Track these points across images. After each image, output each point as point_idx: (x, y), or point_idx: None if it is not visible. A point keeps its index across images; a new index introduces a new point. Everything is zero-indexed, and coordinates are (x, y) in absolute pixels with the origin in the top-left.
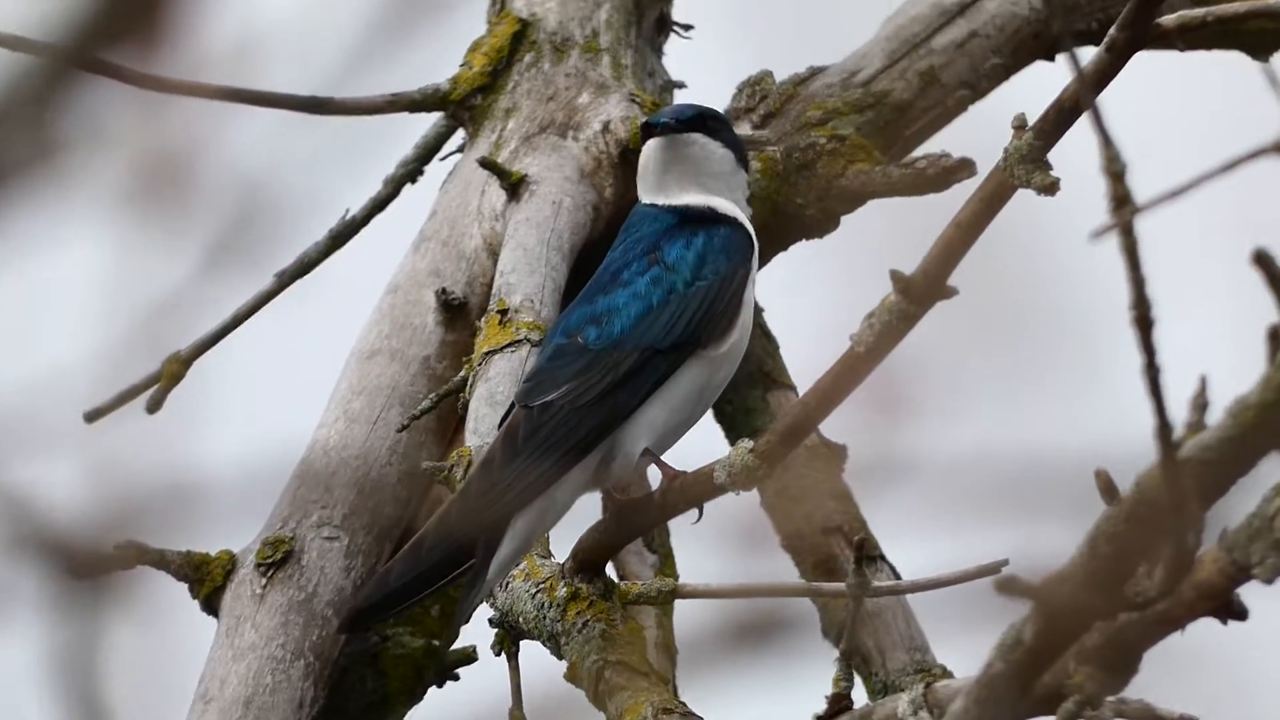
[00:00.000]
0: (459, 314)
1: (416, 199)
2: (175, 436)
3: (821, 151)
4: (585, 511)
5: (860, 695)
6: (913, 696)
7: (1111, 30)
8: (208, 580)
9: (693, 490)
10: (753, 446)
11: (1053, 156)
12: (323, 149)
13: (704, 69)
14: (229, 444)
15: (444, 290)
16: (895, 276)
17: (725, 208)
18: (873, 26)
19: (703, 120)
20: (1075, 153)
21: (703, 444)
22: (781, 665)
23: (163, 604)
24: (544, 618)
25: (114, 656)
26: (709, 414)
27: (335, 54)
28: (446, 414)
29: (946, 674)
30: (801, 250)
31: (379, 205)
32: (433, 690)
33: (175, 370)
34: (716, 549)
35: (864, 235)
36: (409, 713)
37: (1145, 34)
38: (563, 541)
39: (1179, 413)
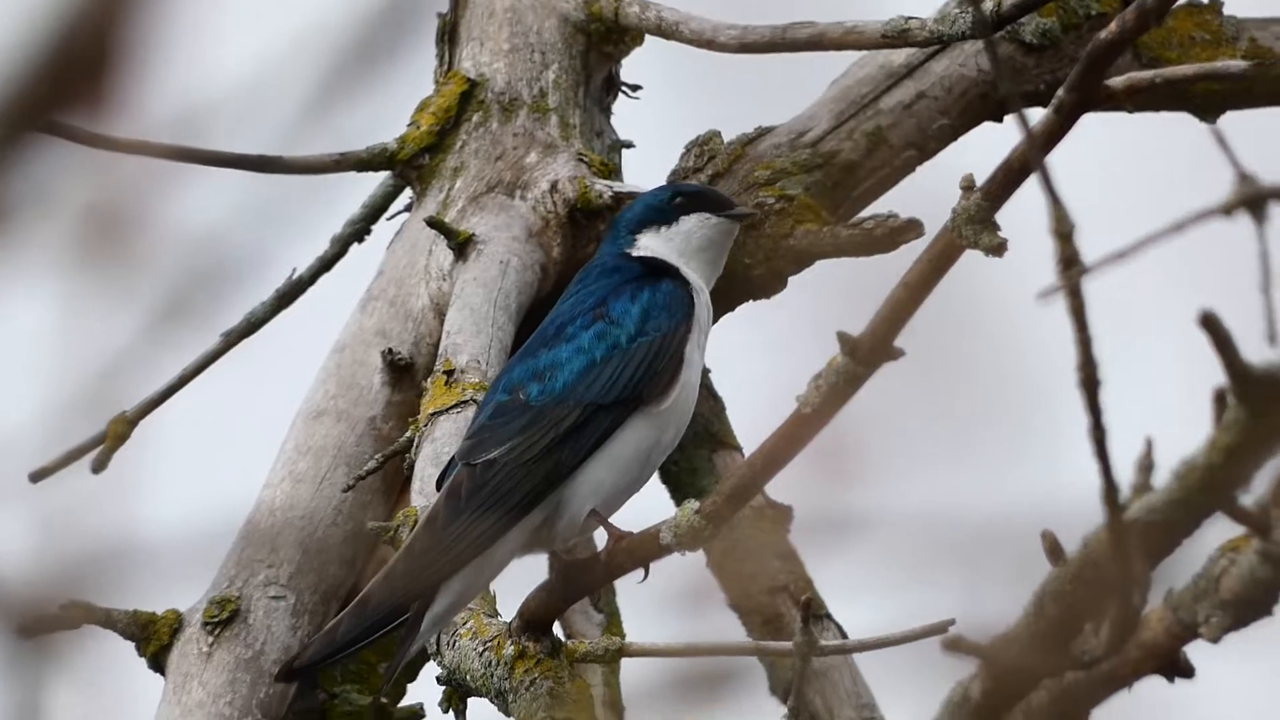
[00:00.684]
0: (405, 374)
1: (363, 258)
2: (121, 496)
3: (769, 211)
4: (531, 571)
5: None
6: None
7: (1060, 92)
8: (154, 639)
9: (639, 551)
10: (699, 508)
11: (1000, 217)
12: (270, 208)
13: (652, 129)
14: (175, 503)
15: (390, 350)
16: (842, 337)
17: (692, 276)
18: (820, 88)
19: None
20: (1022, 214)
21: (648, 504)
22: None
23: (110, 663)
24: (491, 675)
25: (61, 717)
26: (655, 474)
27: (285, 114)
28: (392, 474)
29: None
30: (748, 310)
31: (326, 264)
32: None
33: (120, 430)
34: (663, 608)
35: (811, 296)
36: None
37: (1093, 95)
38: (509, 600)
39: (1125, 474)
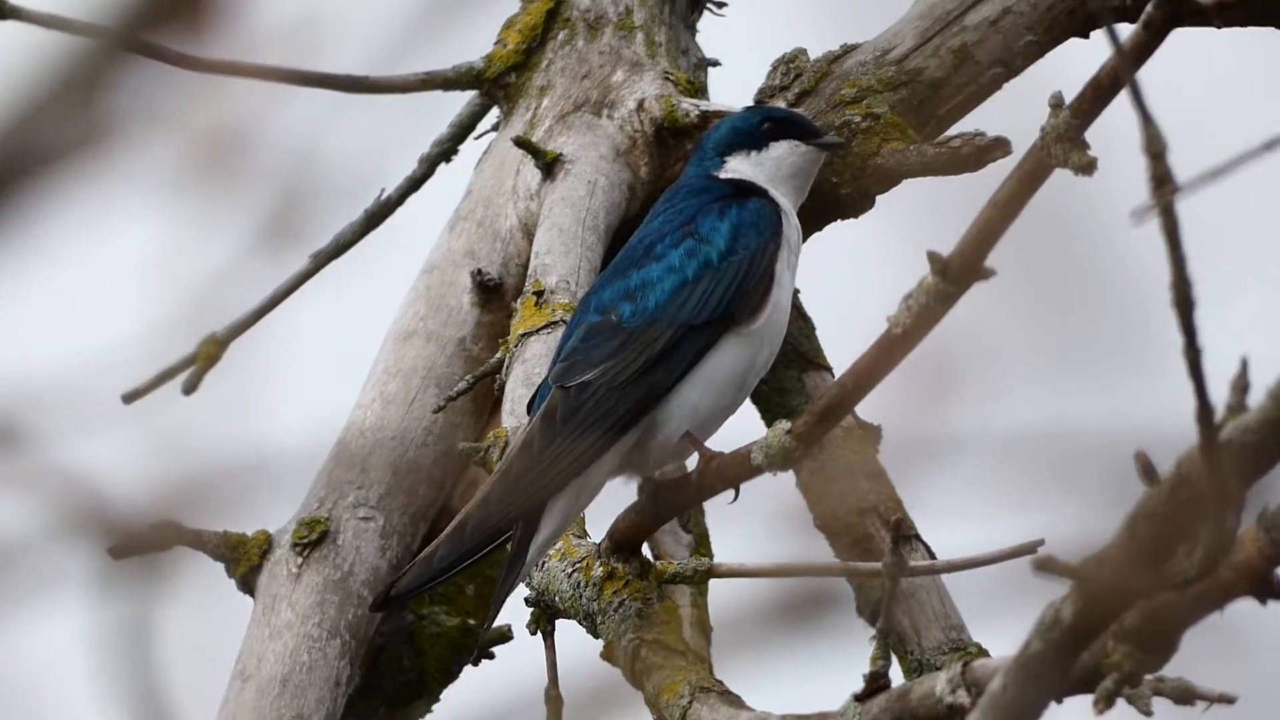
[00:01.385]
0: (494, 295)
1: (451, 178)
2: (214, 417)
3: (856, 130)
4: (621, 493)
5: (896, 674)
6: (950, 675)
7: (1149, 7)
8: (244, 560)
9: (729, 471)
10: (790, 428)
11: (1089, 135)
12: (366, 128)
13: (738, 46)
14: (267, 425)
15: (479, 271)
16: (932, 257)
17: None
18: (905, 4)
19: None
20: (1112, 132)
21: (739, 425)
22: (817, 644)
23: (201, 582)
24: (580, 597)
25: (156, 635)
26: None
27: (383, 34)
28: (482, 395)
29: (982, 653)
30: (837, 230)
31: (414, 185)
32: (469, 669)
33: (212, 351)
34: (751, 529)
35: (900, 215)
36: (444, 691)
37: (1183, 10)
38: (598, 522)
39: (1220, 394)
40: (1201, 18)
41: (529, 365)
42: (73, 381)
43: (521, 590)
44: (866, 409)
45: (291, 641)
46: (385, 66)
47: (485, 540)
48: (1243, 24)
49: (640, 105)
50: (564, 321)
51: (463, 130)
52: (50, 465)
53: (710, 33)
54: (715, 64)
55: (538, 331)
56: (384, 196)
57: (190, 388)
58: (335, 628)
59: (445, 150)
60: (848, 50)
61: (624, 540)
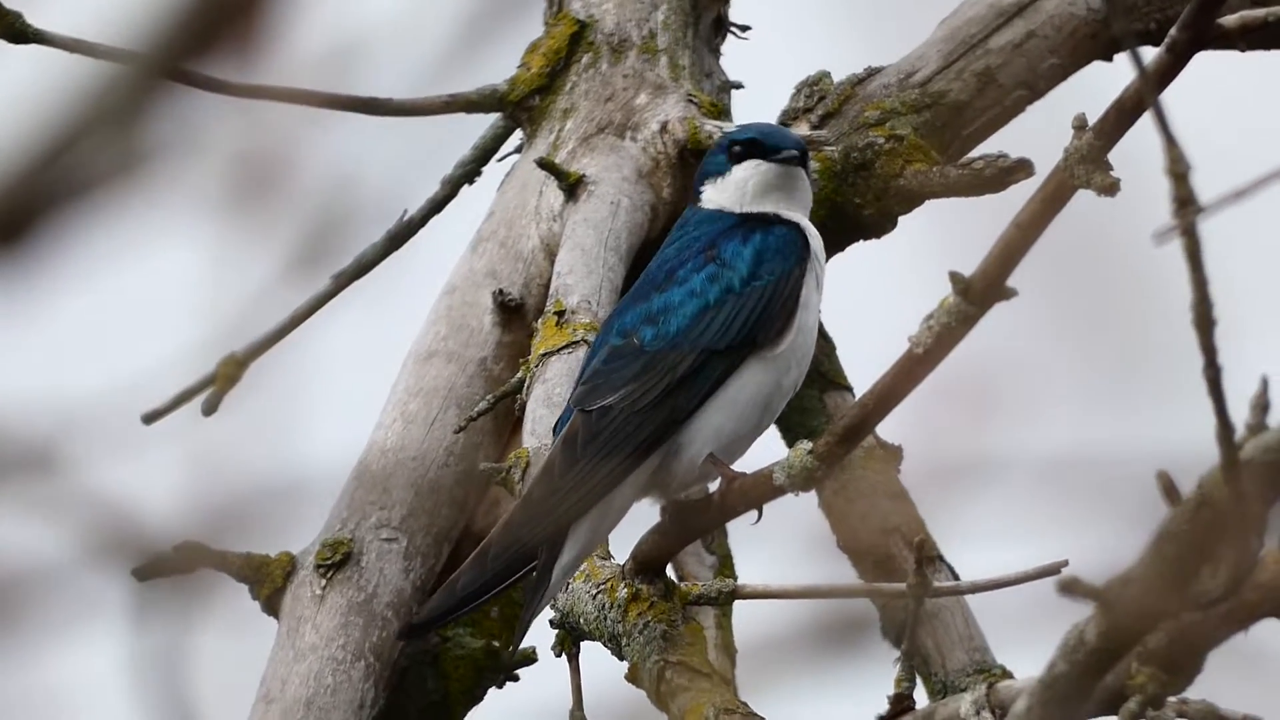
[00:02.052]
0: (516, 315)
1: (474, 200)
2: (237, 439)
3: (879, 152)
4: (644, 514)
5: (920, 696)
6: (975, 697)
7: (1172, 30)
8: (267, 582)
9: (752, 492)
10: (812, 448)
11: (1112, 157)
12: (393, 150)
13: (761, 70)
14: (288, 446)
15: (501, 291)
16: (954, 277)
17: (789, 216)
18: (929, 28)
19: (805, 152)
20: (1135, 154)
21: (760, 446)
22: (842, 666)
23: (225, 605)
24: (605, 618)
25: (186, 659)
26: None
27: (420, 58)
28: (503, 415)
29: (1006, 674)
30: (859, 251)
31: (437, 206)
32: (493, 691)
33: (231, 372)
34: (775, 550)
35: (922, 236)
36: (469, 713)
37: (1206, 34)
38: (622, 543)
39: (1241, 414)
40: (1225, 41)
41: (550, 385)
42: (106, 405)
43: (546, 612)
44: (890, 429)
45: (316, 664)
46: (422, 90)
47: (509, 567)
48: (1267, 47)
49: (664, 127)
50: (585, 341)
51: (486, 152)
52: (80, 489)
53: (734, 56)
54: (739, 86)
55: (559, 351)
56: (406, 218)
57: (210, 409)
58: (359, 650)
59: (468, 172)
60: (872, 73)
61: (648, 562)
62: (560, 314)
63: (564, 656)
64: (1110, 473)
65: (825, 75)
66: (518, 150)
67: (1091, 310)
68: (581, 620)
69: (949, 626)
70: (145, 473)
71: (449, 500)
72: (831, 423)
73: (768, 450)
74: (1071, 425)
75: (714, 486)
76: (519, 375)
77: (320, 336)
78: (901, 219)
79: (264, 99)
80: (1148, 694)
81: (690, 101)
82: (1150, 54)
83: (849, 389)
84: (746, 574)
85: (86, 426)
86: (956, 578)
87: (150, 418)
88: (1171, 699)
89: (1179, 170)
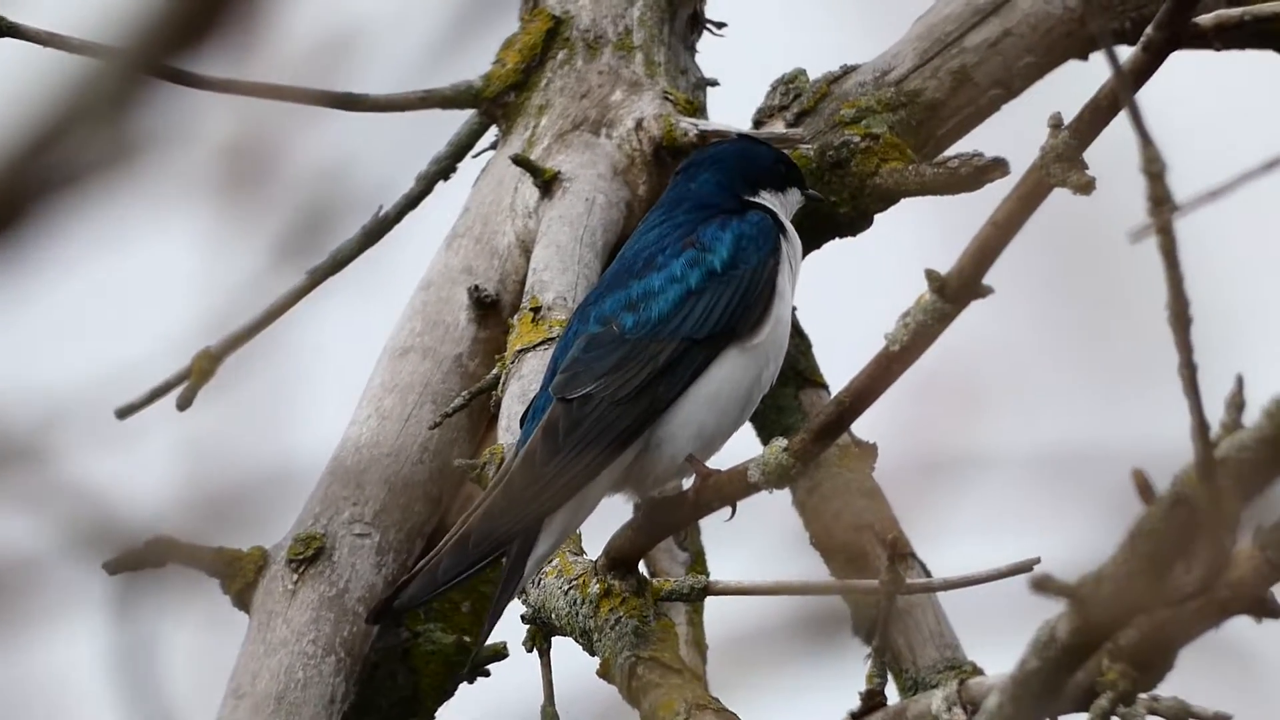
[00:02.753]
0: (491, 311)
1: (450, 196)
2: (210, 433)
3: (855, 150)
4: (616, 509)
5: (892, 692)
6: (947, 693)
7: (1148, 29)
8: (239, 576)
9: (726, 489)
10: (787, 445)
11: (1088, 156)
12: (375, 146)
13: (736, 67)
14: (261, 441)
15: (476, 287)
16: (930, 275)
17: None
18: (904, 25)
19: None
20: (1110, 152)
21: (735, 443)
22: (813, 662)
23: (198, 600)
24: (577, 614)
25: (159, 652)
26: None
27: (405, 54)
28: (478, 412)
29: (977, 671)
30: (835, 248)
31: (412, 202)
32: (464, 686)
33: (205, 366)
34: (748, 547)
35: (898, 234)
36: (440, 708)
37: (1182, 33)
38: (595, 539)
39: (1216, 412)
40: (1201, 41)
41: (525, 381)
42: (88, 398)
43: (518, 608)
44: (867, 428)
45: (286, 659)
46: (408, 85)
47: (488, 553)
48: (1241, 47)
49: (639, 124)
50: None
51: (461, 148)
52: (60, 481)
53: (709, 53)
54: (714, 84)
55: (534, 348)
56: (381, 213)
57: (184, 403)
58: (330, 645)
59: (443, 168)
60: (847, 71)
61: (620, 557)
62: (536, 310)
63: (535, 651)
64: (1085, 470)
65: (801, 73)
66: (493, 146)
67: (1067, 309)
68: (553, 615)
69: (920, 624)
70: (125, 466)
71: (423, 496)
72: (807, 420)
73: (743, 447)
74: (1047, 423)
75: (688, 483)
76: (494, 371)
77: (297, 331)
78: (877, 217)
79: (242, 94)
80: (1119, 691)
81: (666, 99)
82: (1126, 53)
83: (825, 386)
84: (719, 570)
85: (68, 419)
86: (929, 575)
87: (124, 412)
88: (1143, 696)
89: (1154, 169)
